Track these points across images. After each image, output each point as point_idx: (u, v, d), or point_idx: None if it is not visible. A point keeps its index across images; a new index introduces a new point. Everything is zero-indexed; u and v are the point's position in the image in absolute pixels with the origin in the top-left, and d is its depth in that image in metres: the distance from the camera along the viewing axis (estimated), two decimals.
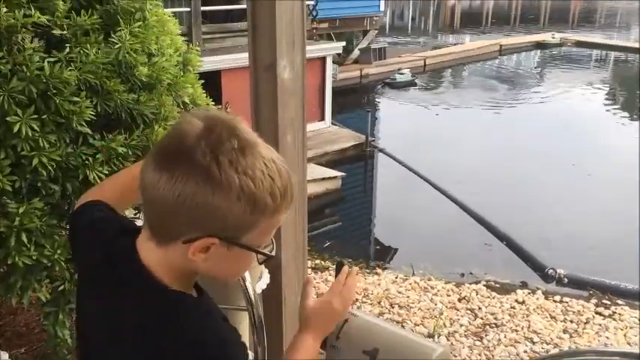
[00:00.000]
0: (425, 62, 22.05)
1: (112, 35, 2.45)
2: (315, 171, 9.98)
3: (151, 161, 0.95)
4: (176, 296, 0.98)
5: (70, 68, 2.26)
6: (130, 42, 2.44)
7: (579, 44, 28.53)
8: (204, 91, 3.09)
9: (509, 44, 27.23)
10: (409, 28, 37.62)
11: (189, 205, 0.89)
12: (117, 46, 2.41)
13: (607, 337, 5.35)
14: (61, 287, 2.43)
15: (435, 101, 17.84)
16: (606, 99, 19.32)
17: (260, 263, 1.00)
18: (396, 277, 6.59)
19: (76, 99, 2.26)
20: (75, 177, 2.31)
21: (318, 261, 7.10)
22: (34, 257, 2.21)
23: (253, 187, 0.89)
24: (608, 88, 20.77)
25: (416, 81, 19.91)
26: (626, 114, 17.12)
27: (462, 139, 13.43)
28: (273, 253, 0.97)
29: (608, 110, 17.56)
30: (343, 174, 10.56)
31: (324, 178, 10.08)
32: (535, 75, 23.26)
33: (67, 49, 2.31)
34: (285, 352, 1.13)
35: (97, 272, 1.08)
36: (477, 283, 6.57)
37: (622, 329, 5.52)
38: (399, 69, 19.77)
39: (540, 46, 28.03)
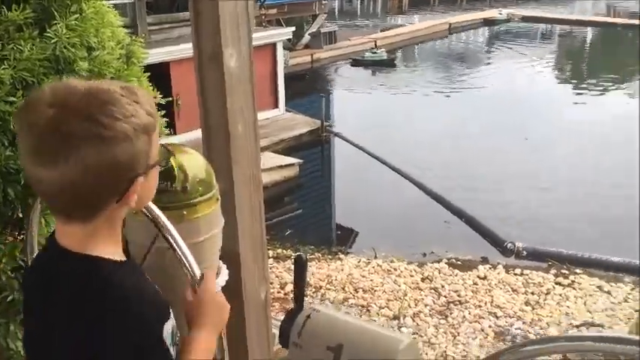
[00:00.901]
0: (376, 44, 22.09)
1: (48, 30, 2.33)
2: (271, 159, 9.90)
3: (30, 161, 0.96)
4: (96, 260, 1.02)
5: (3, 66, 2.14)
6: (67, 36, 2.32)
7: (525, 19, 29.07)
8: (150, 84, 2.99)
9: (457, 22, 27.55)
10: (358, 11, 37.64)
11: (101, 171, 0.95)
12: (53, 41, 2.29)
13: (568, 307, 5.45)
14: (10, 297, 2.31)
15: (387, 83, 17.92)
16: (554, 70, 19.83)
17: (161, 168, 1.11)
18: (359, 261, 6.59)
19: (12, 99, 2.14)
20: (17, 181, 2.19)
21: (280, 250, 7.05)
22: None
23: (138, 121, 0.98)
24: (555, 61, 21.27)
25: (396, 62, 19.88)
26: (574, 84, 17.66)
27: (416, 120, 13.54)
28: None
29: (557, 82, 18.04)
30: (300, 161, 10.51)
31: (281, 166, 10.02)
32: (485, 51, 23.60)
33: (0, 47, 2.18)
34: (180, 353, 1.09)
35: (36, 294, 1.09)
36: (438, 261, 6.61)
37: (582, 297, 5.63)
38: (372, 48, 19.78)
39: (488, 22, 28.45)
